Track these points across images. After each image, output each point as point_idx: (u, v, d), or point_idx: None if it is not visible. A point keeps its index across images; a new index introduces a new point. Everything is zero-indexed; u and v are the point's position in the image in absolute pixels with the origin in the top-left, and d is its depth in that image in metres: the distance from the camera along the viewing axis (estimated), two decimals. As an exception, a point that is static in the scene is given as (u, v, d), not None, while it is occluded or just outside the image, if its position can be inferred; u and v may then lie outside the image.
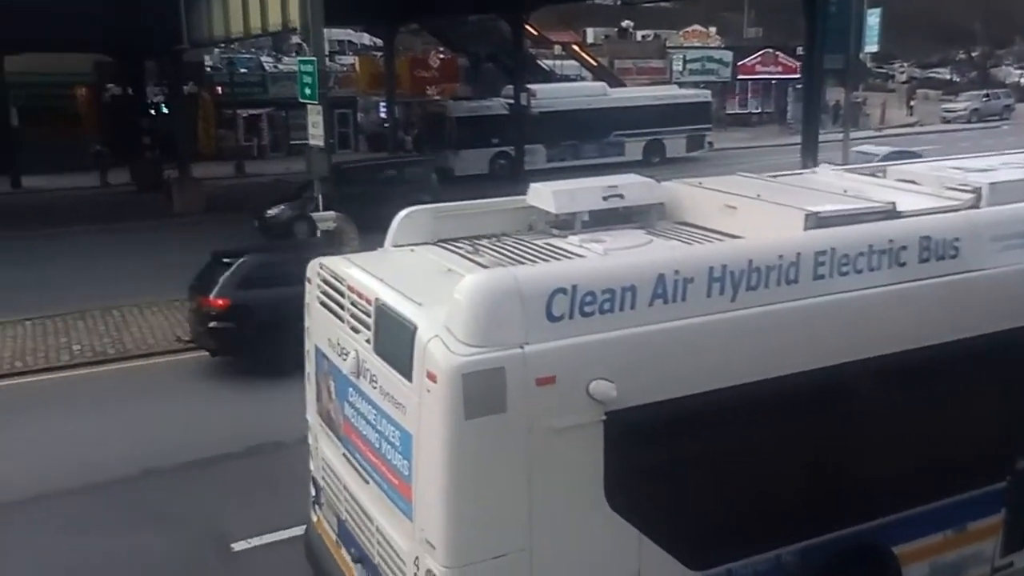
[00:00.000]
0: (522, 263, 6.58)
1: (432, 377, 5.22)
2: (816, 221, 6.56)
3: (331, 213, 16.64)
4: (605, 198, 7.52)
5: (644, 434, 5.68)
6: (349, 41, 60.05)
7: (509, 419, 5.26)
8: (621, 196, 7.60)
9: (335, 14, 21.31)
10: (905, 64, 66.03)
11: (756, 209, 7.13)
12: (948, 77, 68.45)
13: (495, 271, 5.88)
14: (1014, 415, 7.33)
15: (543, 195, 7.48)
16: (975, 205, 7.33)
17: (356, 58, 52.38)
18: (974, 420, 7.13)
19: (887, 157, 21.81)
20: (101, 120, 40.94)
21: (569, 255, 6.75)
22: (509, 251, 7.02)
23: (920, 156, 11.01)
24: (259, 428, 12.01)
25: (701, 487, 6.11)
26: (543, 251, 6.93)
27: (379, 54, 46.73)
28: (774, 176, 8.87)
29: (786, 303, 6.10)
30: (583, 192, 7.53)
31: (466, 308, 5.28)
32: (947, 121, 51.67)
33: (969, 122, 51.12)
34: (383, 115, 44.42)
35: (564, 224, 7.47)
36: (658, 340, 5.70)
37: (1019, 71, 67.22)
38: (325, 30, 20.04)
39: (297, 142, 38.71)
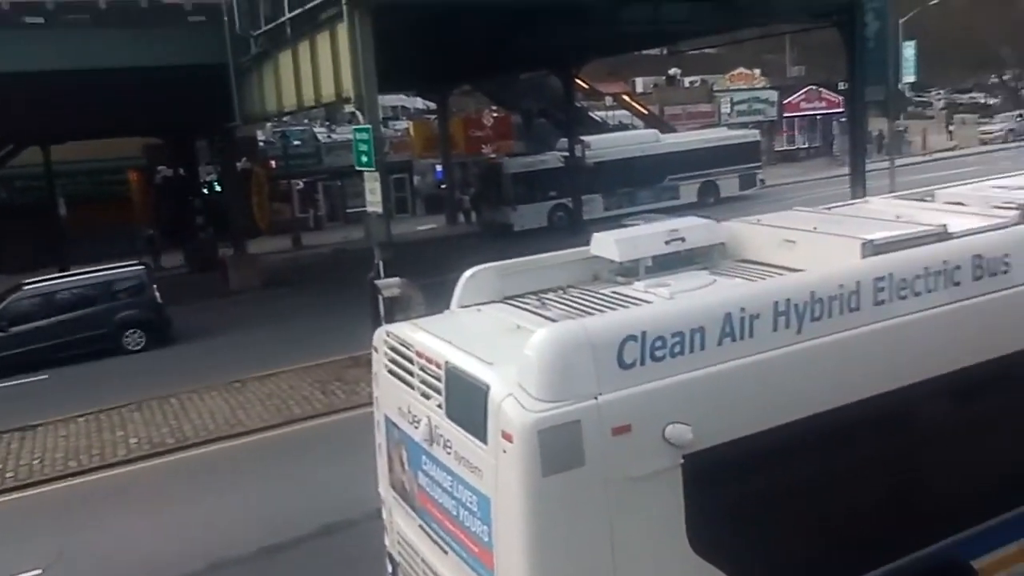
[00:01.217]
0: (590, 313, 6.55)
1: (508, 437, 5.18)
2: (873, 249, 6.63)
3: (396, 279, 16.72)
4: (667, 242, 7.53)
5: (722, 474, 5.62)
6: (403, 106, 61.20)
7: (587, 472, 5.21)
8: (683, 239, 7.59)
9: (388, 82, 21.72)
10: (942, 91, 66.35)
11: (814, 241, 7.23)
12: (983, 101, 68.56)
13: (564, 324, 5.85)
14: None
15: (606, 244, 7.48)
16: (1021, 221, 7.38)
17: (410, 122, 53.26)
18: None
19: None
20: (152, 203, 40.67)
21: (636, 302, 6.72)
22: (576, 302, 7.01)
23: None
24: (329, 505, 11.75)
25: (783, 522, 6.01)
26: (610, 300, 6.91)
27: (432, 117, 47.46)
28: (828, 208, 8.90)
29: (850, 331, 6.12)
30: (645, 238, 7.56)
31: (537, 363, 5.25)
32: (985, 143, 52.42)
33: (1006, 142, 51.84)
34: (439, 177, 45.01)
35: (628, 271, 7.48)
36: (729, 378, 5.68)
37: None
38: (379, 97, 20.31)
39: (354, 210, 38.76)
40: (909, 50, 43.73)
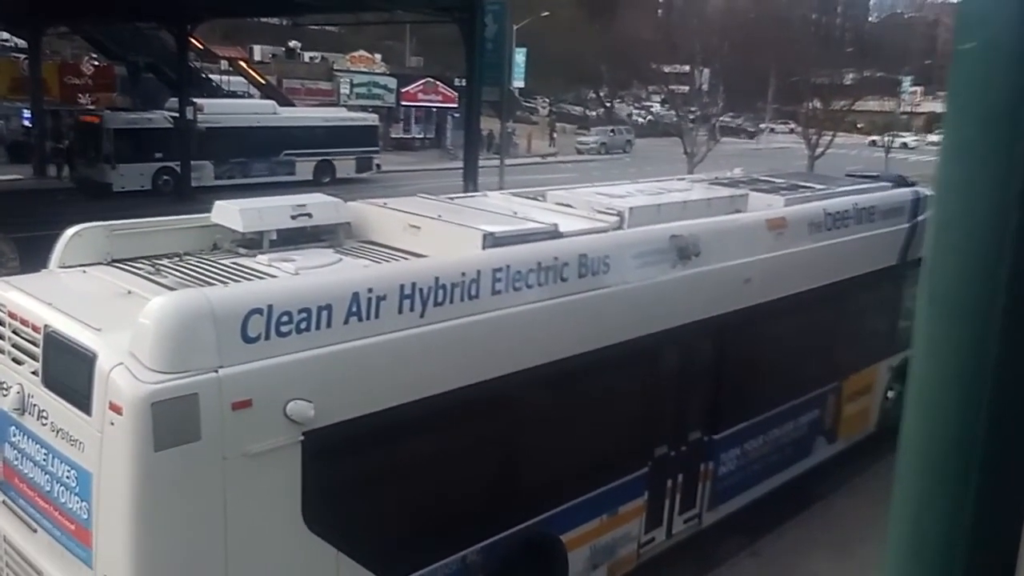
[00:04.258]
0: (210, 283, 6.29)
1: (116, 409, 4.84)
2: (493, 240, 7.02)
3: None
4: (293, 216, 7.43)
5: (340, 451, 5.69)
6: (-16, 40, 54.16)
7: (202, 447, 5.03)
8: (310, 215, 7.54)
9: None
10: (547, 99, 71.91)
11: (438, 229, 7.50)
12: (581, 112, 75.43)
13: (185, 292, 5.57)
14: (652, 408, 8.21)
15: (229, 213, 7.22)
16: (620, 227, 8.20)
17: (-8, 59, 47.28)
18: (620, 415, 7.91)
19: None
20: None
21: (259, 275, 6.56)
22: (194, 271, 6.69)
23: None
24: None
25: (393, 499, 6.23)
26: (231, 271, 6.68)
27: (22, 56, 42.50)
28: (451, 198, 9.26)
29: (469, 317, 6.42)
30: (271, 210, 7.41)
31: (154, 332, 4.95)
32: (581, 152, 56.90)
33: (599, 153, 56.63)
34: (27, 123, 40.40)
35: (251, 243, 7.28)
36: (354, 357, 5.75)
37: (637, 109, 75.88)
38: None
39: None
40: (520, 56, 46.92)
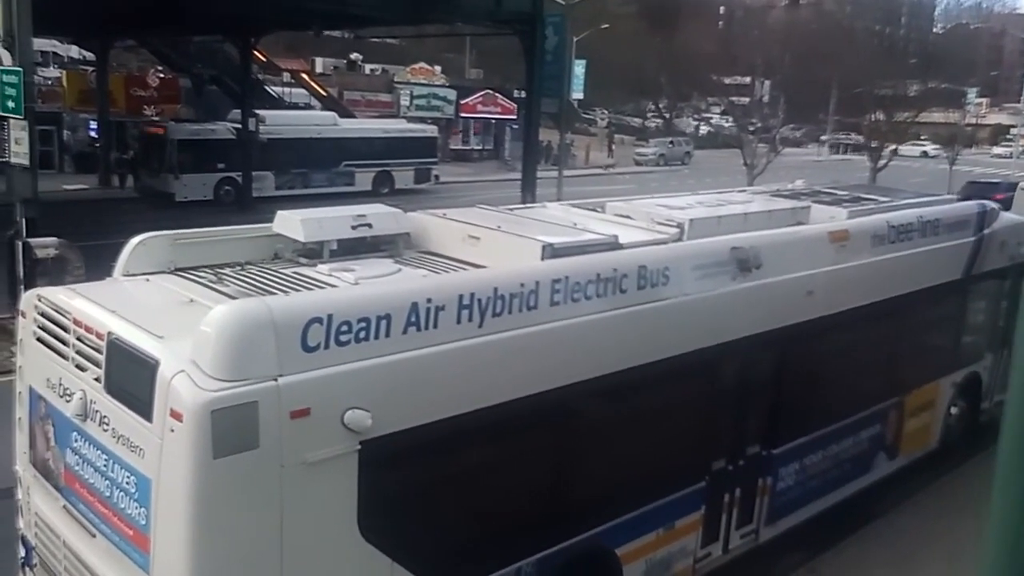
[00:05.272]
0: (271, 293, 6.33)
1: (177, 416, 4.88)
2: (552, 252, 6.99)
3: (52, 239, 15.11)
4: (354, 227, 7.47)
5: (397, 461, 5.68)
6: (55, 53, 55.67)
7: (260, 455, 5.05)
8: (369, 225, 7.57)
9: (39, 22, 19.60)
10: (606, 111, 71.75)
11: (497, 240, 7.48)
12: (640, 124, 75.10)
13: (246, 301, 5.62)
14: (710, 421, 8.08)
15: (291, 223, 7.27)
16: (679, 238, 8.12)
17: (63, 72, 48.52)
18: (678, 428, 7.80)
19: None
20: None
21: (319, 284, 6.60)
22: (255, 280, 6.75)
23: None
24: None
25: (449, 510, 6.19)
26: (291, 280, 6.72)
27: (90, 69, 43.60)
28: (511, 209, 9.24)
29: (527, 328, 6.38)
30: (332, 221, 7.44)
31: (216, 340, 4.99)
32: (639, 164, 56.91)
33: (657, 165, 56.62)
34: (93, 134, 41.41)
35: (312, 253, 7.33)
36: (412, 367, 5.73)
37: (696, 121, 75.32)
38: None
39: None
40: (580, 68, 46.88)
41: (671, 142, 61.46)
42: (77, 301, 6.10)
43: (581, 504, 7.06)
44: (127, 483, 5.38)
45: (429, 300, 5.84)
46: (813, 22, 60.21)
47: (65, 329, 6.03)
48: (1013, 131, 54.85)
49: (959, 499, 10.13)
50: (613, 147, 59.16)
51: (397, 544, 5.77)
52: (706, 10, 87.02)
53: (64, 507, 6.23)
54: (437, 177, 40.77)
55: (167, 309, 6.04)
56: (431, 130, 42.73)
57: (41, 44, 50.64)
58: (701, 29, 73.67)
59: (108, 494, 5.60)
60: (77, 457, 5.96)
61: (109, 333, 5.57)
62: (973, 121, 58.62)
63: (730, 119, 48.51)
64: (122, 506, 5.46)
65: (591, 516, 7.13)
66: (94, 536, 5.84)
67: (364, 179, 37.56)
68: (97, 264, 7.12)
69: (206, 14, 28.88)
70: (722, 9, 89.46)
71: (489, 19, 27.01)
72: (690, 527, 8.09)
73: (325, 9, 26.06)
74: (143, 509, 5.24)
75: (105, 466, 5.60)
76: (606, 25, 51.70)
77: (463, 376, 6.02)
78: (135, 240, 6.95)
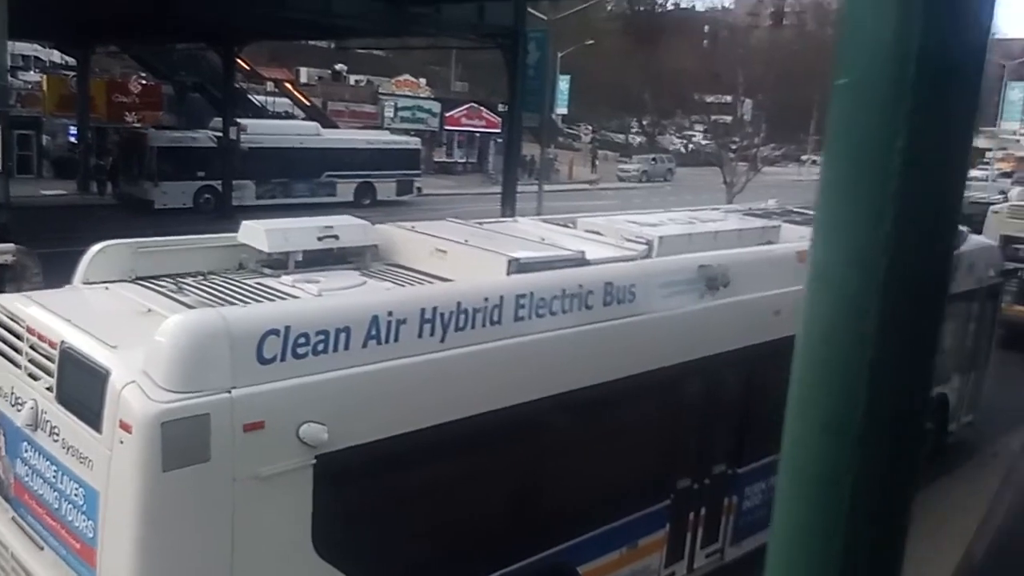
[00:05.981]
0: (231, 303, 6.27)
1: (126, 427, 4.80)
2: (518, 266, 6.96)
3: (10, 245, 14.94)
4: (320, 238, 7.43)
5: (353, 476, 5.60)
6: (36, 57, 55.44)
7: (212, 469, 4.96)
8: (336, 237, 7.53)
9: (20, 26, 19.49)
10: (589, 127, 71.97)
11: (464, 254, 7.46)
12: (623, 140, 75.42)
13: (201, 311, 5.55)
14: (675, 439, 8.06)
15: (255, 233, 7.22)
16: (647, 255, 8.11)
17: (43, 76, 48.28)
18: (642, 446, 7.77)
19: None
20: None
21: (281, 296, 6.54)
22: (216, 290, 6.68)
23: None
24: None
25: (406, 526, 6.10)
26: (254, 291, 6.66)
27: (71, 74, 43.41)
28: (480, 223, 9.22)
29: (490, 343, 6.32)
30: (297, 232, 7.39)
31: (168, 350, 4.91)
32: (622, 180, 56.88)
33: (640, 181, 56.59)
34: (73, 140, 41.17)
35: (277, 263, 7.27)
36: (370, 381, 5.67)
37: (680, 139, 75.73)
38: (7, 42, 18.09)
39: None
40: (564, 83, 47.10)
41: (654, 159, 61.68)
42: (32, 309, 6.02)
43: (543, 521, 7.00)
44: (75, 495, 5.28)
45: (390, 313, 5.77)
46: (795, 42, 60.54)
47: (19, 337, 5.94)
48: (988, 154, 55.28)
49: (923, 522, 10.13)
50: (597, 163, 59.35)
51: (352, 561, 5.69)
52: (691, 29, 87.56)
53: (13, 518, 6.11)
54: (420, 189, 40.72)
55: (124, 318, 5.95)
56: (414, 142, 42.70)
57: (22, 48, 50.67)
58: (685, 47, 73.96)
59: (56, 506, 5.50)
60: (27, 468, 5.85)
61: (62, 342, 5.48)
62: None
63: (712, 137, 48.79)
64: (70, 519, 5.35)
65: (553, 534, 7.07)
66: (42, 549, 5.72)
67: (346, 190, 37.45)
68: (62, 271, 7.00)
69: (188, 22, 28.84)
70: (707, 28, 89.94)
71: (472, 32, 27.12)
72: (654, 546, 8.05)
73: (308, 19, 26.09)
74: (91, 522, 5.14)
75: (54, 477, 5.50)
76: (591, 41, 51.96)
77: (423, 391, 5.95)
78: (95, 248, 6.86)
